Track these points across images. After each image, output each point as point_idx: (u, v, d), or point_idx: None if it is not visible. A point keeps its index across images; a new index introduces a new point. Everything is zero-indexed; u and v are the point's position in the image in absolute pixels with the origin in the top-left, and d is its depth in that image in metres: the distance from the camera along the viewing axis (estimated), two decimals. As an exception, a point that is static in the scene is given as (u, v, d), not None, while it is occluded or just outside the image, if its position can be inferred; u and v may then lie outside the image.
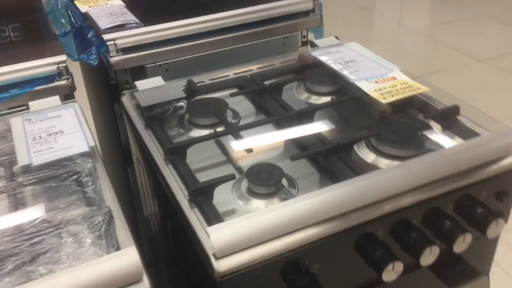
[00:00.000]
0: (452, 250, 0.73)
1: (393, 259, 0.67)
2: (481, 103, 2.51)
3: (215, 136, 0.83)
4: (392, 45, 3.25)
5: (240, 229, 0.60)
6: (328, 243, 0.66)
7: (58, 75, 0.96)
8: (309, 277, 0.65)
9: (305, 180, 0.76)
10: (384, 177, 0.69)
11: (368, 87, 0.89)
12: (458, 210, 0.75)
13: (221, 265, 0.60)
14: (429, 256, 0.70)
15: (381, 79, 0.92)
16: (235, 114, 0.93)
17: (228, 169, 0.80)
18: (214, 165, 0.81)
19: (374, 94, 0.87)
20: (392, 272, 0.68)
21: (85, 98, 1.50)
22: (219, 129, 0.86)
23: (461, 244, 0.72)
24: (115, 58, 1.01)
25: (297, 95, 0.99)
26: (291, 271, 0.65)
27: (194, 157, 0.81)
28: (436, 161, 0.72)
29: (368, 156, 0.79)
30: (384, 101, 0.85)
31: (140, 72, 1.06)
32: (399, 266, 0.68)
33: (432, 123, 0.86)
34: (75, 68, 1.14)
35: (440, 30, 3.33)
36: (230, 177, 0.71)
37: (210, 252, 0.60)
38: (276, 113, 0.90)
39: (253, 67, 1.06)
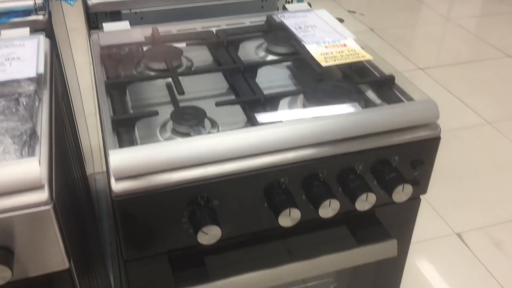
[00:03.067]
0: (355, 207, 0.76)
1: (291, 206, 0.72)
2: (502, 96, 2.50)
3: (153, 78, 0.89)
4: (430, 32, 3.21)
5: (139, 155, 0.66)
6: (229, 182, 0.70)
7: (35, 10, 1.03)
8: (208, 211, 0.70)
9: (229, 126, 0.81)
10: (291, 128, 0.72)
11: (315, 50, 0.92)
12: (370, 170, 0.78)
13: (118, 186, 0.66)
14: (328, 209, 0.74)
15: (331, 44, 0.94)
16: (190, 62, 0.97)
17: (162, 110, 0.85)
18: (152, 105, 0.86)
19: (318, 57, 0.90)
20: (288, 217, 0.72)
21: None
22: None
23: (364, 203, 0.75)
24: (92, 1, 1.07)
25: (256, 53, 1.03)
26: (190, 203, 0.70)
27: (136, 96, 0.86)
28: (350, 120, 0.75)
29: (295, 111, 0.83)
30: (324, 64, 0.88)
31: (118, 18, 1.12)
32: (295, 213, 0.72)
33: (370, 93, 0.88)
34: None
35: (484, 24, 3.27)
36: (152, 113, 0.77)
37: (110, 173, 0.66)
38: (226, 65, 0.94)
39: (222, 23, 1.10)
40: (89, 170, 1.69)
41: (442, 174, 2.07)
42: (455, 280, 1.62)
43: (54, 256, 0.68)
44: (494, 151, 2.20)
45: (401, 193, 0.77)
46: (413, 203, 0.85)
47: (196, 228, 0.69)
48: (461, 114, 2.44)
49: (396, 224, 0.86)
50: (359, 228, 0.84)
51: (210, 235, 0.69)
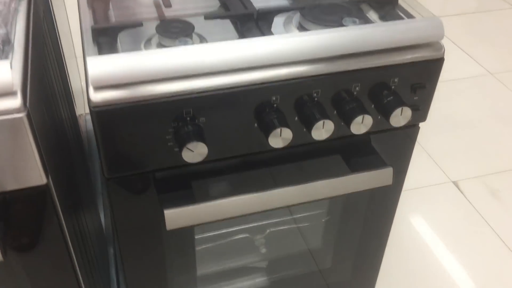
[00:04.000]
0: (350, 131, 0.72)
1: (282, 125, 0.68)
2: None
3: None
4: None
5: (120, 62, 0.61)
6: (217, 97, 0.66)
7: None
8: (194, 128, 0.66)
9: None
10: (284, 41, 0.67)
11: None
12: (368, 93, 0.73)
13: (97, 96, 0.61)
14: (322, 130, 0.70)
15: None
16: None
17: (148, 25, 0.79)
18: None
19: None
20: (279, 138, 0.68)
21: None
22: None
23: (359, 126, 0.71)
24: None
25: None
26: (175, 119, 0.66)
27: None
28: (348, 35, 0.70)
29: (290, 30, 0.77)
30: (323, -19, 0.82)
31: None
32: (287, 133, 0.68)
33: (371, 13, 0.83)
34: None
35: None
36: (136, 24, 0.72)
37: (89, 81, 0.62)
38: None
39: None
40: (79, 111, 1.65)
41: (441, 123, 2.03)
42: (450, 227, 1.60)
43: (31, 170, 0.64)
44: (496, 102, 2.16)
45: (399, 117, 0.73)
46: (411, 131, 0.81)
47: (181, 144, 0.65)
48: (463, 64, 2.38)
49: (392, 153, 0.83)
50: (353, 157, 0.81)
51: (195, 152, 0.66)
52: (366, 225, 0.94)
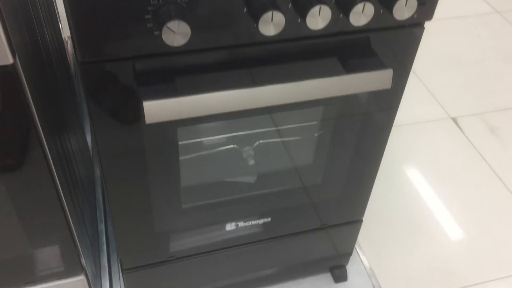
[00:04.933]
0: (348, 22, 0.66)
1: (274, 8, 0.61)
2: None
3: None
4: None
5: None
6: (202, -27, 0.59)
7: None
8: (175, 5, 0.60)
9: None
10: None
11: None
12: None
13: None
14: (318, 18, 0.64)
15: None
16: None
17: None
18: None
19: None
20: (270, 24, 0.62)
21: None
22: None
23: (359, 16, 0.65)
24: None
25: None
26: (154, -5, 0.59)
27: None
28: None
29: None
30: None
31: None
32: (279, 17, 0.62)
33: None
34: None
35: None
36: None
37: None
38: None
39: None
40: (65, 33, 1.58)
41: (443, 60, 1.96)
42: (447, 163, 1.57)
43: (-5, 48, 0.58)
44: (501, 41, 2.08)
45: (404, 9, 0.66)
46: (414, 31, 0.74)
47: (161, 23, 0.59)
48: (469, 2, 2.29)
49: (393, 56, 0.76)
50: (351, 58, 0.75)
51: (177, 33, 0.59)
52: (361, 140, 0.89)
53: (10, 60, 0.60)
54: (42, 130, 0.72)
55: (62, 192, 0.82)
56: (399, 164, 1.55)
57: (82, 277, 0.93)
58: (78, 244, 0.89)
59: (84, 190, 1.14)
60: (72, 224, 0.86)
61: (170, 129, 0.75)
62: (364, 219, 1.09)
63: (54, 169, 0.77)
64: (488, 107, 1.77)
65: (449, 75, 1.89)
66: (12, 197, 0.78)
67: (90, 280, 0.96)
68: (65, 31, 1.56)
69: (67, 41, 1.71)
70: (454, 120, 1.71)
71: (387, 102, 0.84)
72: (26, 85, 0.65)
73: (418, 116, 1.71)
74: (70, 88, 1.36)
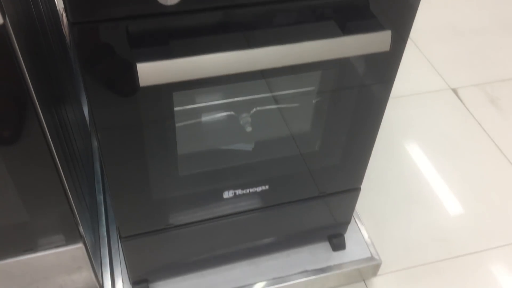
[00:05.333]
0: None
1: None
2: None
3: None
4: None
5: None
6: None
7: None
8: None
9: None
10: None
11: None
12: None
13: None
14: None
15: None
16: None
17: None
18: None
19: None
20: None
21: None
22: None
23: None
24: None
25: None
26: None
27: None
28: None
29: None
30: None
31: None
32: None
33: None
34: None
35: None
36: None
37: None
38: None
39: None
40: (60, 5, 1.56)
41: (444, 30, 1.94)
42: (446, 133, 1.56)
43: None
44: (502, 11, 2.06)
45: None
46: (414, -9, 0.73)
47: (153, -20, 0.57)
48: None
49: (392, 18, 0.75)
50: (349, 21, 0.73)
51: (170, -10, 0.58)
52: (359, 107, 0.88)
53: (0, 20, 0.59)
54: (37, 99, 0.71)
55: (59, 162, 0.82)
56: (398, 135, 1.55)
57: (80, 245, 0.93)
58: (76, 213, 0.90)
59: (82, 162, 1.13)
60: (69, 194, 0.86)
61: (165, 93, 0.74)
62: (362, 189, 1.09)
63: (50, 140, 0.77)
64: (488, 77, 1.75)
65: (450, 46, 1.87)
66: (9, 168, 0.77)
67: (88, 249, 0.96)
68: (60, 3, 1.54)
69: (62, 14, 1.69)
70: (454, 91, 1.70)
71: (385, 67, 0.83)
72: (17, 48, 0.64)
73: (418, 87, 1.70)
74: (66, 60, 1.35)
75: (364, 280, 1.20)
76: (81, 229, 0.92)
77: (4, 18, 0.59)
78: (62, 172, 0.82)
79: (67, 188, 0.85)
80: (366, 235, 1.21)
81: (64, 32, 1.54)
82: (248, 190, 0.97)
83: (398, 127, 1.57)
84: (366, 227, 1.22)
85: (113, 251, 1.13)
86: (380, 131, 0.94)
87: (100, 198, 1.23)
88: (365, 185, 1.07)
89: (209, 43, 0.69)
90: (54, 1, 1.44)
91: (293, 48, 0.68)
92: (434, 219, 1.33)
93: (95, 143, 1.37)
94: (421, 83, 1.72)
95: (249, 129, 0.89)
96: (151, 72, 0.64)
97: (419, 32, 1.90)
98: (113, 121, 0.75)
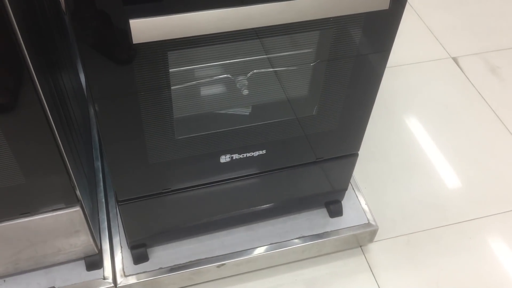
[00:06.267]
0: None
1: None
2: None
3: None
4: None
5: None
6: None
7: None
8: None
9: None
10: None
11: None
12: None
13: None
14: None
15: None
16: None
17: None
18: None
19: None
20: None
21: None
22: None
23: None
24: None
25: None
26: None
27: None
28: None
29: None
30: None
31: None
32: None
33: None
34: None
35: None
36: None
37: None
38: None
39: None
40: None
41: (445, -1, 1.92)
42: (446, 102, 1.55)
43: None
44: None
45: None
46: None
47: None
48: None
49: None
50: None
51: None
52: (356, 71, 0.87)
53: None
54: (32, 66, 0.70)
55: (56, 129, 0.81)
56: (398, 104, 1.54)
57: (77, 209, 0.94)
58: (73, 177, 0.90)
59: (79, 128, 1.13)
60: (66, 159, 0.86)
61: (159, 53, 0.73)
62: (361, 156, 1.08)
63: (47, 107, 0.77)
64: (489, 46, 1.74)
65: (451, 14, 1.85)
66: (6, 134, 0.77)
67: (86, 213, 0.97)
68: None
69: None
70: (455, 59, 1.69)
71: (384, 29, 0.81)
72: (12, 14, 0.63)
73: (418, 56, 1.68)
74: (62, 27, 1.33)
75: (360, 246, 1.21)
76: (78, 192, 0.92)
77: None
78: (58, 137, 0.82)
79: (64, 152, 0.85)
80: (363, 202, 1.22)
81: (65, 22, 1.52)
82: (245, 155, 0.97)
83: (398, 96, 1.57)
84: (363, 194, 1.23)
85: (111, 216, 1.14)
86: (379, 99, 0.94)
87: (98, 164, 1.23)
88: (363, 152, 1.07)
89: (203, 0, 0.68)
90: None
91: (288, 4, 0.67)
92: (431, 187, 1.34)
93: (91, 111, 1.37)
94: (421, 51, 1.70)
95: (246, 92, 0.88)
96: (144, 28, 0.63)
97: (419, 0, 1.87)
98: (108, 85, 0.74)
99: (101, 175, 1.21)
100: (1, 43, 0.65)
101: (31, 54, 0.69)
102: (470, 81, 1.62)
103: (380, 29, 0.81)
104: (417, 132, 1.47)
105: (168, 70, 0.77)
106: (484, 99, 1.56)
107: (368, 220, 1.19)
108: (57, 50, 1.03)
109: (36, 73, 0.71)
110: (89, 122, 1.34)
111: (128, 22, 0.62)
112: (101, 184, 1.19)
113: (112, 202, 1.16)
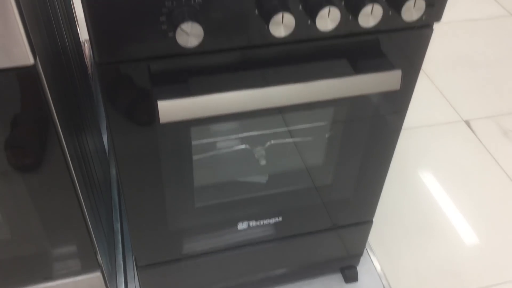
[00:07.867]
0: (357, 24, 0.68)
1: (284, 10, 0.63)
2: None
3: None
4: None
5: None
6: (215, -23, 0.62)
7: None
8: (188, 8, 0.62)
9: None
10: None
11: None
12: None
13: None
14: (327, 19, 0.65)
15: None
16: None
17: None
18: None
19: None
20: (280, 25, 0.64)
21: None
22: None
23: (368, 17, 0.67)
24: None
25: None
26: (169, -2, 0.61)
27: None
28: None
29: None
30: None
31: None
32: (289, 19, 0.64)
33: None
34: None
35: None
36: None
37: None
38: None
39: None
40: (83, 36, 1.62)
41: (456, 62, 1.97)
42: (459, 165, 1.57)
43: (17, 47, 0.61)
44: (514, 43, 2.08)
45: (412, 10, 0.68)
46: (423, 32, 0.76)
47: (175, 25, 0.61)
48: (483, 4, 2.29)
49: (402, 57, 0.78)
50: (360, 60, 0.76)
51: (191, 34, 0.62)
52: (371, 141, 0.91)
53: (31, 61, 0.62)
54: (61, 130, 0.74)
55: (80, 191, 0.84)
56: (411, 167, 1.56)
57: (98, 274, 0.95)
58: (95, 242, 0.92)
59: (100, 189, 1.16)
60: (89, 223, 0.89)
61: (183, 129, 0.77)
62: (375, 220, 1.10)
63: (72, 168, 0.80)
64: (501, 110, 1.76)
65: (462, 78, 1.89)
66: (32, 195, 0.80)
67: (106, 277, 0.98)
68: (82, 35, 1.60)
69: (84, 44, 1.75)
70: (467, 122, 1.71)
71: (396, 104, 0.85)
72: (46, 85, 0.67)
73: (430, 119, 1.72)
74: (87, 90, 1.39)
75: (376, 313, 1.20)
76: (99, 257, 0.94)
77: (35, 58, 0.63)
78: (82, 199, 0.85)
79: (87, 216, 0.88)
80: (378, 267, 1.22)
81: (86, 63, 1.59)
82: (261, 222, 0.99)
83: (411, 158, 1.59)
84: (378, 258, 1.23)
85: (128, 278, 1.15)
86: (393, 162, 0.96)
87: (117, 226, 1.26)
88: (378, 216, 1.09)
89: (226, 81, 0.73)
90: (78, 32, 1.49)
91: (306, 87, 0.71)
92: (447, 251, 1.33)
93: (113, 172, 1.41)
94: (434, 114, 1.74)
95: (263, 162, 0.92)
96: (171, 109, 0.67)
97: (431, 63, 1.93)
98: (133, 153, 0.78)
99: (120, 237, 1.23)
100: (31, 105, 0.68)
101: (59, 116, 0.73)
102: (483, 144, 1.64)
103: (392, 103, 0.85)
104: (430, 195, 1.48)
105: (191, 142, 0.81)
106: (498, 163, 1.58)
107: (383, 286, 1.19)
108: (82, 111, 1.08)
109: (64, 134, 0.75)
110: (109, 183, 1.38)
111: (156, 103, 0.67)
112: (120, 246, 1.21)
113: (129, 264, 1.18)
